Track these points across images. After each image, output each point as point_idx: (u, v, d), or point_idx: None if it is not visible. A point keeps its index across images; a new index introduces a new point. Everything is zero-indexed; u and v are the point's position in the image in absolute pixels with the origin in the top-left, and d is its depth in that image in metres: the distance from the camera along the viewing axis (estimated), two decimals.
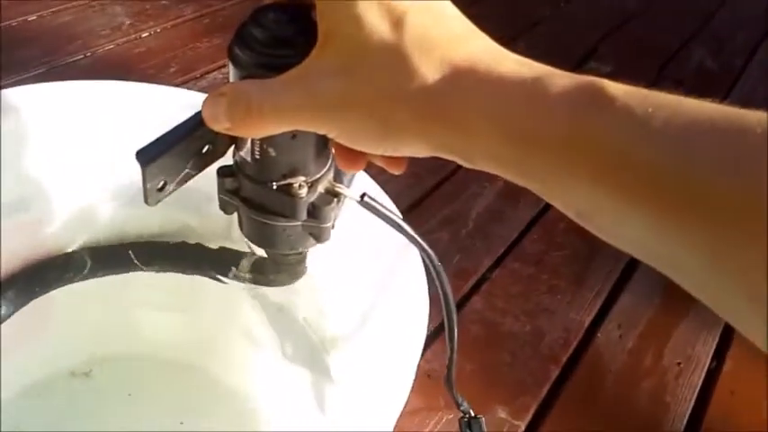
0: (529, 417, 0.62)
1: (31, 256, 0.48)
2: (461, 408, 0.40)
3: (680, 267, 0.22)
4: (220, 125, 0.28)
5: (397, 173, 0.31)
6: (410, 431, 0.59)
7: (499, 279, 0.75)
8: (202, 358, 0.54)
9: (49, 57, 0.97)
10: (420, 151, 0.26)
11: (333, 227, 0.33)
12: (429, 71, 0.24)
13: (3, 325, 0.48)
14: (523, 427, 0.61)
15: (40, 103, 0.43)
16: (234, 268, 0.45)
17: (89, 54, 1.00)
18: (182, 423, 0.52)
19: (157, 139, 0.30)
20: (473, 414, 0.40)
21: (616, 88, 0.22)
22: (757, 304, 0.20)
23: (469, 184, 0.87)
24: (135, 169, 0.29)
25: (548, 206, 0.85)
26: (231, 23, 0.31)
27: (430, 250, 0.36)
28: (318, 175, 0.32)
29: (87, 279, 0.50)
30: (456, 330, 0.37)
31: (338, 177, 0.34)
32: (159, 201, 0.30)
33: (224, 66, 0.97)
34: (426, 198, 0.84)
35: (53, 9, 1.09)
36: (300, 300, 0.42)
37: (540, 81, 0.23)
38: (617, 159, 0.21)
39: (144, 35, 1.07)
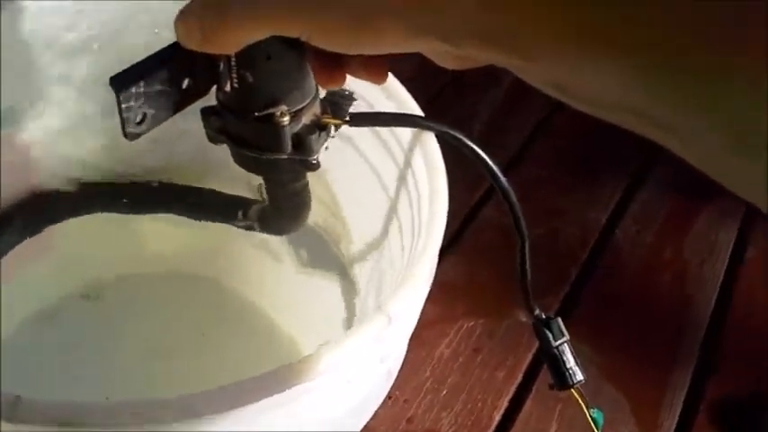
0: None
1: (30, 178, 0.47)
2: (535, 313, 0.38)
3: (671, 127, 0.21)
4: (194, 40, 0.27)
5: (380, 83, 0.30)
6: (429, 342, 0.59)
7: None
8: (215, 271, 0.53)
9: None
10: (400, 39, 0.25)
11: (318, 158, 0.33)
12: None
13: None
14: None
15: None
16: (241, 214, 0.44)
17: None
18: (203, 335, 0.52)
19: (133, 66, 0.29)
20: (544, 316, 0.38)
21: None
22: (751, 157, 0.19)
23: (470, 92, 0.85)
24: None
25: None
26: None
27: (455, 133, 0.35)
28: (301, 106, 0.31)
29: (96, 213, 0.49)
30: (520, 213, 0.36)
31: (338, 111, 0.34)
32: (139, 135, 0.29)
33: None
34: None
35: None
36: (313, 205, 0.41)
37: None
38: (594, 13, 0.20)
39: None
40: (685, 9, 0.19)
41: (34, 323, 0.51)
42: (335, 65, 0.29)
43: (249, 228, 0.44)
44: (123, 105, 0.28)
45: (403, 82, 0.40)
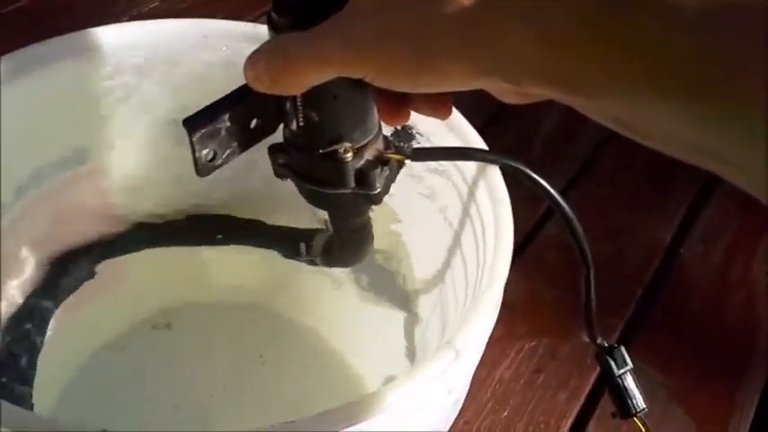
0: (615, 338, 0.61)
1: (99, 213, 0.49)
2: (598, 341, 0.38)
3: (731, 161, 0.21)
4: (263, 83, 0.28)
5: (444, 118, 0.30)
6: (490, 362, 0.59)
7: (574, 201, 0.73)
8: (279, 300, 0.54)
9: (97, 19, 0.97)
10: (462, 78, 0.25)
11: (385, 192, 0.34)
12: None
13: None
14: None
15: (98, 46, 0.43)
16: (304, 248, 0.45)
17: (135, 13, 1.00)
18: (264, 362, 0.53)
19: (205, 108, 0.30)
20: (607, 344, 0.38)
21: None
22: None
23: (532, 109, 0.84)
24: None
25: None
26: None
27: (517, 164, 0.35)
28: (364, 142, 0.32)
29: (164, 246, 0.51)
30: (585, 242, 0.36)
31: (400, 146, 0.34)
32: (210, 172, 0.31)
33: None
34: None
35: None
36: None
37: None
38: (655, 54, 0.21)
39: None
40: (753, 57, 0.19)
41: (106, 351, 0.52)
42: (400, 102, 0.30)
43: (312, 263, 0.45)
44: (195, 145, 0.29)
45: (463, 100, 0.40)
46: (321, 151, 0.32)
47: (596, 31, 0.21)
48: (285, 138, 0.33)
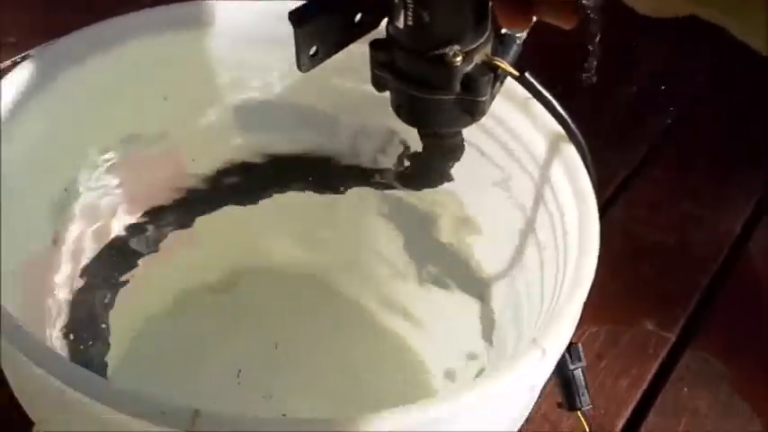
0: (679, 328, 0.60)
1: (177, 184, 0.49)
2: None
3: None
4: None
5: (568, 26, 0.29)
6: None
7: (639, 188, 0.72)
8: (342, 280, 0.54)
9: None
10: None
11: (489, 104, 0.32)
12: None
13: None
14: (674, 339, 0.60)
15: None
16: (378, 176, 0.45)
17: None
18: (325, 335, 0.53)
19: (310, 1, 0.29)
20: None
21: None
22: None
23: (600, 90, 0.83)
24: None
25: (685, 113, 0.80)
26: None
27: (583, 143, 0.35)
28: (474, 45, 0.30)
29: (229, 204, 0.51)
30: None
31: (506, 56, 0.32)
32: (311, 68, 0.30)
33: None
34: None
35: None
36: (444, 211, 0.42)
37: None
38: None
39: None
40: None
41: (162, 318, 0.52)
42: (521, 5, 0.29)
43: (387, 187, 0.44)
44: (299, 39, 0.29)
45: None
46: (428, 54, 0.30)
47: None
48: (389, 34, 0.31)
